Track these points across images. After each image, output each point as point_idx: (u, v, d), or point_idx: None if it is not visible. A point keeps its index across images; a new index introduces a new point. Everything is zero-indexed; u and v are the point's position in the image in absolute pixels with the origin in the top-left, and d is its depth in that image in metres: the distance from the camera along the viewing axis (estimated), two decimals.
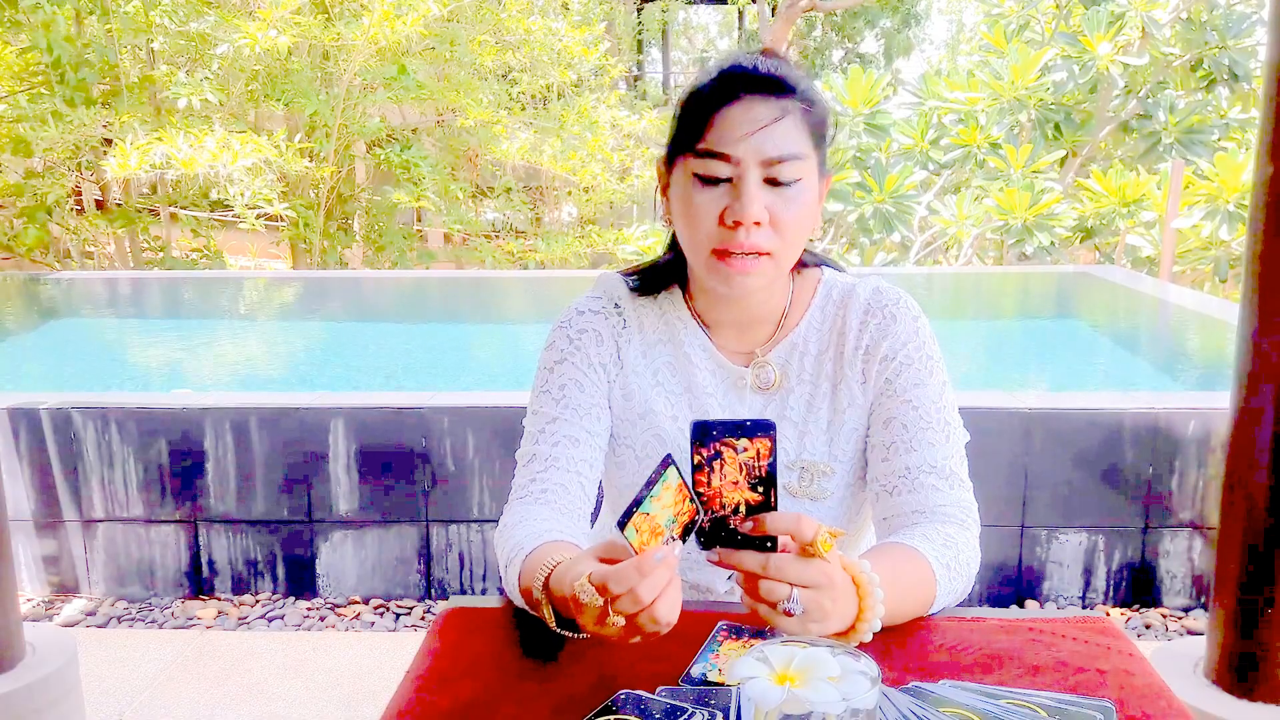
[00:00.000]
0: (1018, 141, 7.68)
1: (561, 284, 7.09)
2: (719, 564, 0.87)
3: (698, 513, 0.85)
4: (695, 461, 0.84)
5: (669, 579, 0.81)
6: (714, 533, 0.86)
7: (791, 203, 1.06)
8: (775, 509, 0.86)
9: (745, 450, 0.83)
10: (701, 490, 0.84)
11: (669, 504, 0.83)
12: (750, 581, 0.87)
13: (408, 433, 2.92)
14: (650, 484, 0.81)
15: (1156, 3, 7.85)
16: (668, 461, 0.83)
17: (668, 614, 0.81)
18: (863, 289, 1.20)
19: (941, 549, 1.07)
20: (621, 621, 0.81)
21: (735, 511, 0.85)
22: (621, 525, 0.81)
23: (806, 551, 0.85)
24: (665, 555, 0.80)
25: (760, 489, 0.85)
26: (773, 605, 0.86)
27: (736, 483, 0.84)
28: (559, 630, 0.93)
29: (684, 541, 0.85)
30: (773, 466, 0.84)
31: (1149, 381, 4.61)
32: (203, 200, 8.38)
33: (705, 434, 0.83)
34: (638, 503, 0.81)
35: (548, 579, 0.93)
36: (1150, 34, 7.79)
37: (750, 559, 0.85)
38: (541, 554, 0.98)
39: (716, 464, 0.84)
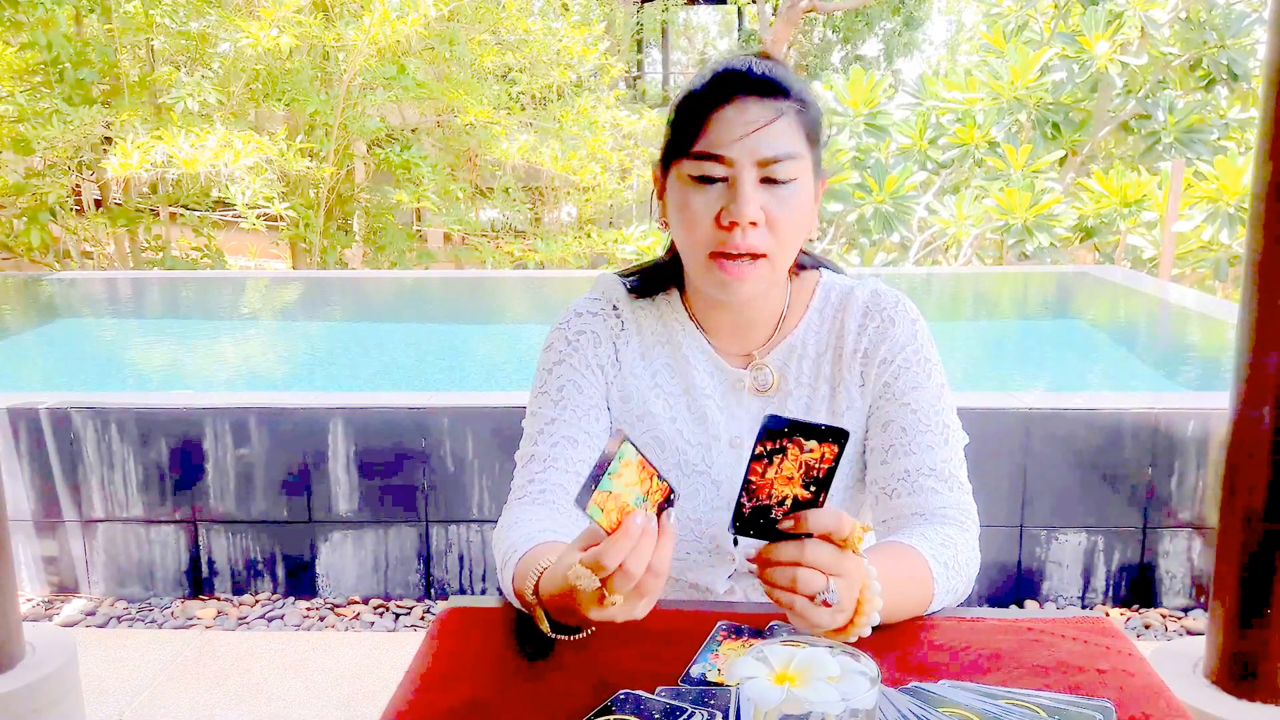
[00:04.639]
0: (1017, 141, 7.69)
1: (561, 284, 7.09)
2: (754, 560, 0.86)
3: (671, 491, 0.85)
4: (757, 451, 0.83)
5: (654, 545, 0.81)
6: (753, 518, 0.85)
7: (787, 203, 1.06)
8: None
9: (811, 451, 0.83)
10: (753, 479, 0.84)
11: (633, 481, 0.82)
12: (766, 571, 0.85)
13: (407, 433, 2.92)
14: (606, 461, 0.80)
15: (1155, 2, 7.85)
16: (620, 436, 0.82)
17: (662, 566, 0.81)
18: (861, 291, 1.20)
19: (940, 548, 1.06)
20: (620, 600, 0.80)
21: (780, 504, 0.85)
22: (583, 505, 0.80)
23: (839, 545, 0.85)
24: (645, 522, 0.80)
25: (812, 489, 0.84)
26: (810, 597, 0.84)
27: (791, 479, 0.84)
28: (554, 635, 0.94)
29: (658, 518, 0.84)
30: (832, 472, 0.84)
31: (1149, 382, 4.62)
32: (203, 200, 8.38)
33: (777, 431, 0.82)
34: (596, 479, 0.80)
35: (537, 584, 0.93)
36: (1149, 33, 7.79)
37: (788, 549, 0.84)
38: (533, 556, 0.98)
39: (778, 458, 0.83)
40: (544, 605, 0.92)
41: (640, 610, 0.83)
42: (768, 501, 0.84)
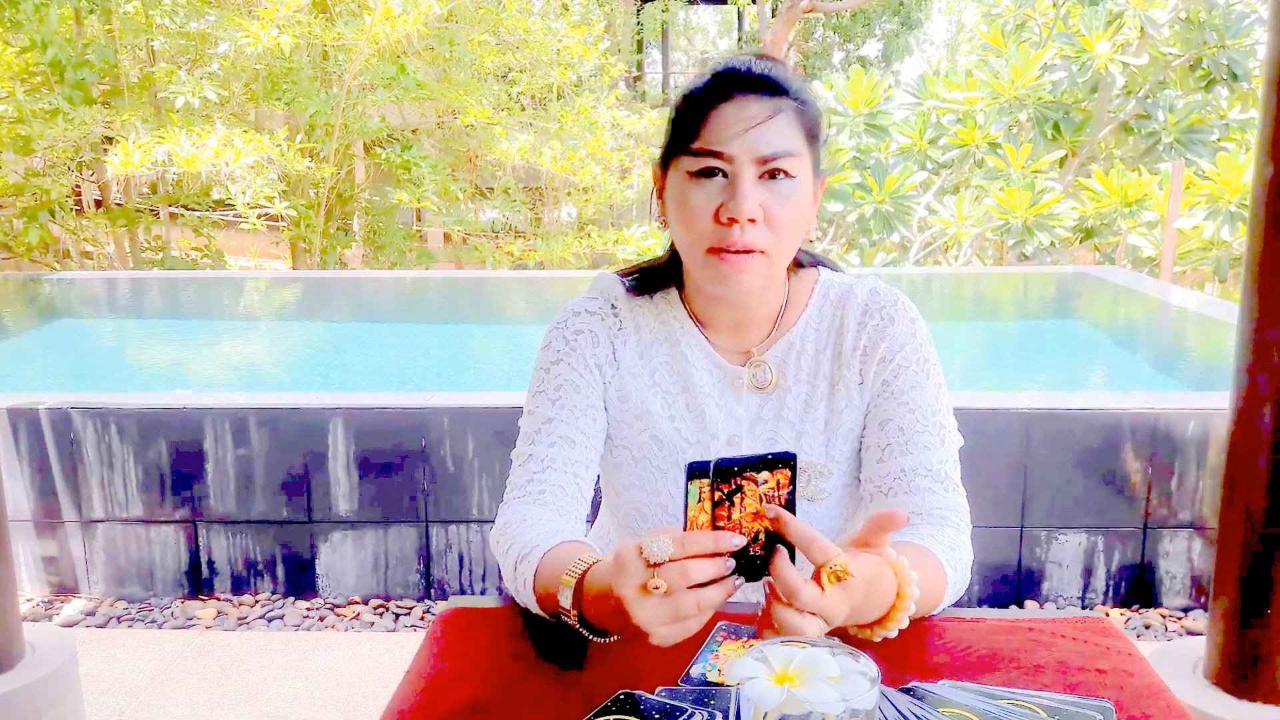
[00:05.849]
0: (1017, 141, 7.68)
1: (561, 284, 7.09)
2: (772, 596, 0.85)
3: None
4: (716, 498, 0.83)
5: (719, 572, 0.81)
6: (739, 562, 0.86)
7: (786, 200, 1.06)
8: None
9: (765, 482, 0.84)
10: (721, 524, 0.84)
11: (750, 510, 0.84)
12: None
13: (408, 433, 2.92)
14: (751, 463, 0.82)
15: (1154, 2, 7.84)
16: (791, 458, 0.84)
17: (713, 600, 0.81)
18: (860, 289, 1.20)
19: (949, 551, 1.07)
20: (663, 587, 0.79)
21: (755, 539, 0.85)
22: (690, 473, 0.81)
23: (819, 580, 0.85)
24: (727, 553, 0.81)
25: None
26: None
27: (756, 513, 0.84)
28: (582, 630, 0.93)
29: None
30: (791, 495, 0.85)
31: (1149, 382, 4.61)
32: (203, 200, 8.38)
33: (728, 470, 0.83)
34: (732, 472, 0.81)
35: (583, 576, 0.91)
36: (1149, 33, 7.79)
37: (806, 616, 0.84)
38: (566, 553, 0.97)
39: (737, 498, 0.84)
40: (585, 600, 0.90)
41: (666, 632, 0.81)
42: (744, 540, 0.85)
